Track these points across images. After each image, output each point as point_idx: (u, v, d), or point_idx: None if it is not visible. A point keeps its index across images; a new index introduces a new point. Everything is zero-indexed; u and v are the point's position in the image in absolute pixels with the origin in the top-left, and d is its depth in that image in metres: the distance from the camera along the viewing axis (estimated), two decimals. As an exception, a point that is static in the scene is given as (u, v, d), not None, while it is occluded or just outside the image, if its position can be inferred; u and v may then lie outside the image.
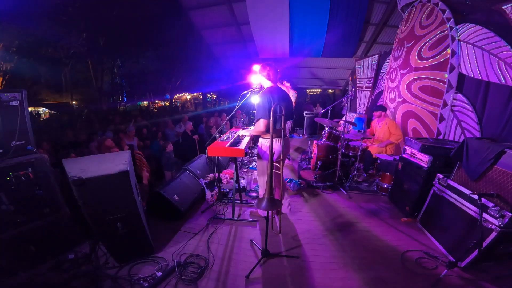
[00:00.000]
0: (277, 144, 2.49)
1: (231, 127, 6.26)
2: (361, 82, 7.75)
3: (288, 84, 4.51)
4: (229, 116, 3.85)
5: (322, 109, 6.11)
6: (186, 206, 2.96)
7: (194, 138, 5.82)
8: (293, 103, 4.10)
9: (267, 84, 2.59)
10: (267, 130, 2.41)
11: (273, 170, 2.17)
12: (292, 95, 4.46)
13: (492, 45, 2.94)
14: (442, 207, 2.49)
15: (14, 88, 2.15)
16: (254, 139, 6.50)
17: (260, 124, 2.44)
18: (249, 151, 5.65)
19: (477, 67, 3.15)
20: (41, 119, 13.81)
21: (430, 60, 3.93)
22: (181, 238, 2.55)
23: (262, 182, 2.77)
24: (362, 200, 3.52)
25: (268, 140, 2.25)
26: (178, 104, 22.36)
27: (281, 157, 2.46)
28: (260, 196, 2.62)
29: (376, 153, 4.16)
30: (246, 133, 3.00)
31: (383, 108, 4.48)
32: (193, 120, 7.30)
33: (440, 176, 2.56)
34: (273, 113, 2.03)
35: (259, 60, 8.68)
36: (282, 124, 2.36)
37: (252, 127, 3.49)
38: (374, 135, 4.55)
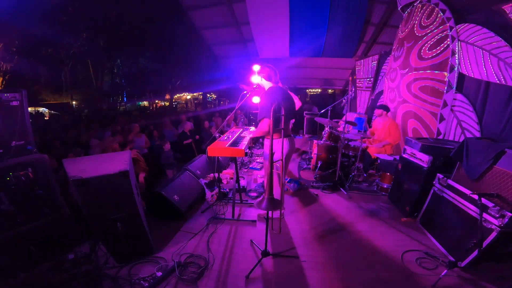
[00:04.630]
0: (286, 143, 2.47)
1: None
2: (361, 82, 7.74)
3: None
4: (228, 116, 3.85)
5: (319, 111, 6.05)
6: (186, 206, 2.96)
7: (196, 138, 5.79)
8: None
9: (267, 84, 2.60)
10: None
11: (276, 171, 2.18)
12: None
13: (492, 45, 2.94)
14: (442, 207, 2.48)
15: (14, 88, 2.15)
16: (255, 139, 6.53)
17: (264, 124, 2.42)
18: (249, 151, 5.65)
19: (477, 67, 3.15)
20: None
21: (430, 60, 3.93)
22: (181, 238, 2.55)
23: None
24: (362, 200, 3.52)
25: (279, 139, 2.26)
26: (178, 104, 22.38)
27: (290, 156, 2.45)
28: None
29: (375, 153, 4.15)
30: (249, 134, 2.99)
31: (386, 108, 4.39)
32: (193, 120, 7.29)
33: (440, 176, 2.56)
34: (275, 113, 2.02)
35: (259, 60, 8.67)
36: (286, 123, 2.34)
37: (252, 128, 3.50)
38: (374, 134, 4.52)
